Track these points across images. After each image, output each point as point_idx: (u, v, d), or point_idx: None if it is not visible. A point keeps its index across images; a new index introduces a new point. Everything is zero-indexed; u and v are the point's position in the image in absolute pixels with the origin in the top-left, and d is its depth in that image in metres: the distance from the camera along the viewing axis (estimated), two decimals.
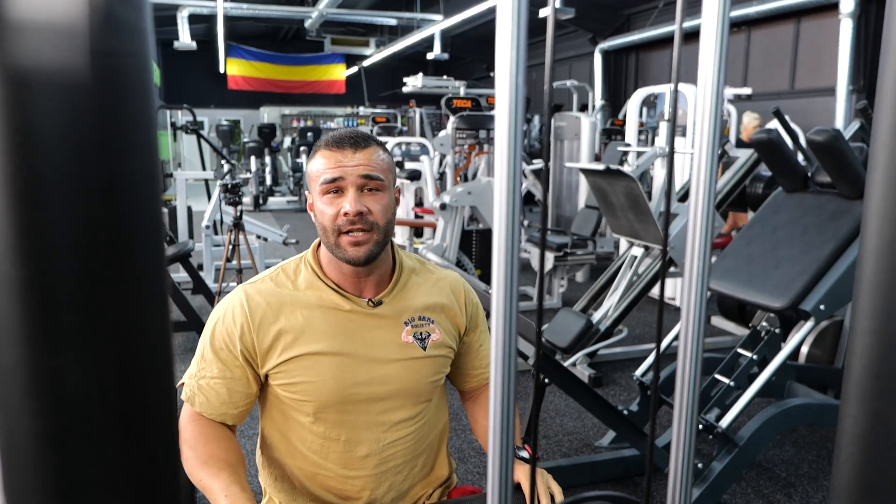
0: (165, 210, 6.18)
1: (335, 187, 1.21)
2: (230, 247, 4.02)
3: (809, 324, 2.59)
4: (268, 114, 16.28)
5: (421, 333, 1.31)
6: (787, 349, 2.61)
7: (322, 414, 1.24)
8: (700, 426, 2.48)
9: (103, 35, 0.26)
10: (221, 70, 16.67)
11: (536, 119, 11.45)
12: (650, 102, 7.80)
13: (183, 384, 1.27)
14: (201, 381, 1.24)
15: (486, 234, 5.02)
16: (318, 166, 1.24)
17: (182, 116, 13.08)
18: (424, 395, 1.32)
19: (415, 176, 5.52)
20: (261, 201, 11.28)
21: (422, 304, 1.33)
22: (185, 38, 10.43)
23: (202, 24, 13.20)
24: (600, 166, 3.81)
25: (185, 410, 1.26)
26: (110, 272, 0.27)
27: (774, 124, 3.50)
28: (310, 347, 1.22)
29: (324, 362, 1.22)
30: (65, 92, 0.26)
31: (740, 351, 2.77)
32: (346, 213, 1.19)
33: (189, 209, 6.05)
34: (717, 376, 2.70)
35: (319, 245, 1.30)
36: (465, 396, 1.51)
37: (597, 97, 11.25)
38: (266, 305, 1.23)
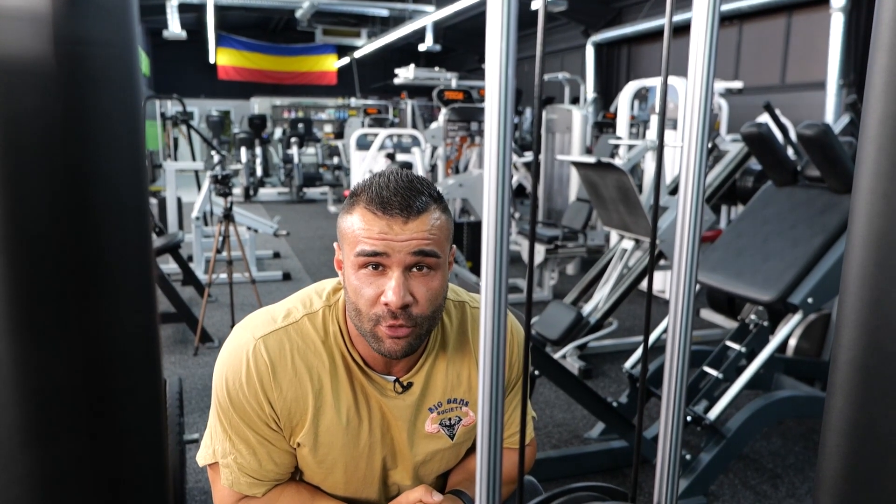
0: (155, 201, 6.14)
1: (375, 262, 0.95)
2: (220, 238, 4.00)
3: (797, 317, 2.61)
4: (258, 104, 16.19)
5: (450, 420, 1.11)
6: (775, 342, 2.63)
7: (322, 486, 1.12)
8: (688, 418, 2.50)
9: (72, 23, 0.26)
10: (212, 60, 16.55)
11: (528, 111, 11.44)
12: (642, 95, 7.80)
13: (210, 466, 1.09)
14: (239, 459, 1.04)
15: (478, 227, 5.02)
16: (355, 228, 0.96)
17: (172, 106, 12.98)
18: (445, 475, 1.19)
19: (406, 167, 5.51)
20: (251, 192, 11.23)
21: (454, 381, 1.11)
22: (174, 28, 10.33)
23: (192, 13, 13.08)
24: (591, 159, 3.81)
25: (225, 494, 1.07)
26: (92, 264, 0.27)
27: (765, 118, 3.51)
28: (325, 435, 1.05)
29: (334, 453, 1.06)
30: (28, 80, 0.25)
31: (729, 343, 2.79)
32: (387, 303, 0.95)
33: (179, 200, 6.02)
34: (706, 369, 2.72)
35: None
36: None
37: (588, 90, 11.25)
38: (293, 371, 1.02)
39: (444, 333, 1.12)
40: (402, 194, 0.95)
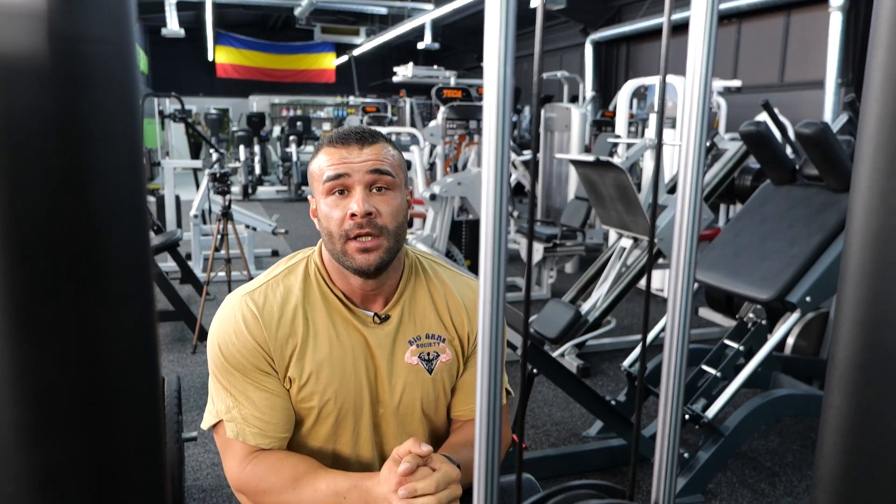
0: (153, 199, 6.13)
1: (340, 185, 1.09)
2: (219, 236, 4.00)
3: (795, 315, 2.61)
4: (257, 102, 16.17)
5: (428, 354, 1.19)
6: (773, 340, 2.63)
7: (318, 430, 1.16)
8: (686, 416, 2.51)
9: (68, 19, 0.26)
10: (210, 58, 16.53)
11: (527, 110, 11.43)
12: (640, 94, 7.81)
13: (216, 431, 1.13)
14: (243, 410, 1.10)
15: (476, 225, 5.02)
16: (321, 164, 1.11)
17: (170, 105, 12.96)
18: (429, 422, 1.22)
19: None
20: (250, 191, 11.21)
21: (432, 319, 1.20)
22: (172, 26, 10.30)
23: (190, 10, 13.06)
24: (590, 157, 3.81)
25: (235, 452, 1.11)
26: (88, 262, 0.27)
27: (763, 117, 3.51)
28: (312, 365, 1.11)
29: (322, 381, 1.12)
30: (22, 78, 0.25)
31: (727, 342, 2.79)
32: (353, 215, 1.07)
33: (177, 198, 6.01)
34: (704, 367, 2.72)
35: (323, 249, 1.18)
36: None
37: (587, 88, 11.24)
38: (279, 313, 1.12)
39: (419, 278, 1.22)
40: (355, 131, 1.13)
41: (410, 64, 7.52)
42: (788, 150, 3.18)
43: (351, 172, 1.08)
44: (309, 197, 1.18)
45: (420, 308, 1.20)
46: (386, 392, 1.16)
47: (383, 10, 12.47)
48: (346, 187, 1.09)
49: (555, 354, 3.65)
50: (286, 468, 1.09)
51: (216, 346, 1.12)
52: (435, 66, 7.76)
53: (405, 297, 1.19)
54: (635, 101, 7.62)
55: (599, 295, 3.81)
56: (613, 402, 2.85)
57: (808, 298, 2.52)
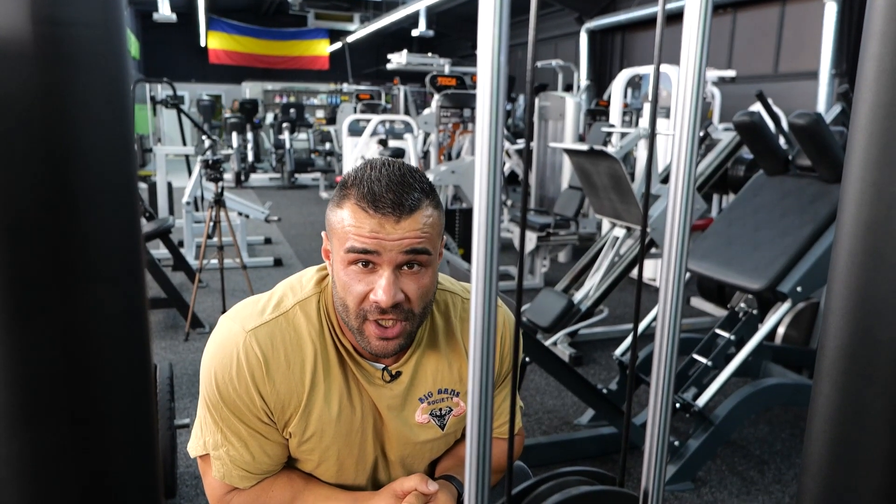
0: (145, 186, 6.09)
1: (366, 260, 0.93)
2: (211, 223, 3.98)
3: (786, 305, 2.63)
4: (250, 89, 16.05)
5: (440, 410, 1.10)
6: (763, 330, 2.65)
7: (315, 471, 1.11)
8: (677, 405, 2.52)
9: (51, 2, 0.25)
10: (202, 43, 16.39)
11: (521, 98, 11.40)
12: (635, 83, 7.79)
13: (201, 457, 1.07)
14: (231, 452, 1.03)
15: (470, 214, 5.01)
16: (345, 224, 0.94)
17: (162, 90, 12.85)
18: (436, 461, 1.19)
19: (398, 154, 5.49)
20: (242, 178, 11.16)
21: (445, 373, 1.10)
22: (164, 10, 10.17)
23: None
24: (584, 147, 3.81)
25: (216, 486, 1.06)
26: (78, 249, 0.27)
27: (757, 107, 3.52)
28: (317, 425, 1.03)
29: (325, 441, 1.05)
30: (4, 62, 0.25)
31: (718, 331, 2.81)
32: (376, 302, 0.93)
33: (169, 185, 5.98)
34: (696, 356, 2.74)
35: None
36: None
37: (582, 77, 11.21)
38: (286, 364, 1.00)
39: (434, 324, 1.10)
40: (394, 191, 0.92)
41: (404, 51, 7.48)
42: (782, 141, 3.19)
43: (381, 251, 0.92)
44: (323, 234, 1.02)
45: (434, 361, 1.09)
46: (393, 450, 1.10)
47: None
48: (372, 263, 0.93)
49: (547, 343, 3.66)
50: (272, 500, 1.06)
51: (213, 377, 1.00)
52: (429, 54, 7.73)
53: (419, 350, 1.08)
54: (630, 91, 7.60)
55: (592, 284, 3.83)
56: (605, 391, 2.87)
57: (798, 288, 2.54)
